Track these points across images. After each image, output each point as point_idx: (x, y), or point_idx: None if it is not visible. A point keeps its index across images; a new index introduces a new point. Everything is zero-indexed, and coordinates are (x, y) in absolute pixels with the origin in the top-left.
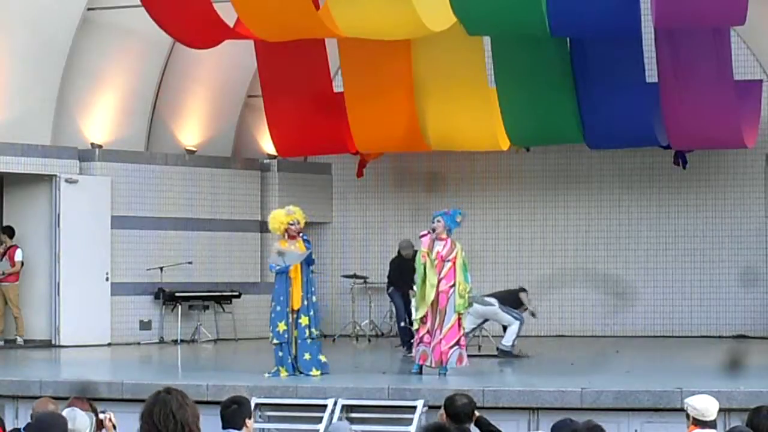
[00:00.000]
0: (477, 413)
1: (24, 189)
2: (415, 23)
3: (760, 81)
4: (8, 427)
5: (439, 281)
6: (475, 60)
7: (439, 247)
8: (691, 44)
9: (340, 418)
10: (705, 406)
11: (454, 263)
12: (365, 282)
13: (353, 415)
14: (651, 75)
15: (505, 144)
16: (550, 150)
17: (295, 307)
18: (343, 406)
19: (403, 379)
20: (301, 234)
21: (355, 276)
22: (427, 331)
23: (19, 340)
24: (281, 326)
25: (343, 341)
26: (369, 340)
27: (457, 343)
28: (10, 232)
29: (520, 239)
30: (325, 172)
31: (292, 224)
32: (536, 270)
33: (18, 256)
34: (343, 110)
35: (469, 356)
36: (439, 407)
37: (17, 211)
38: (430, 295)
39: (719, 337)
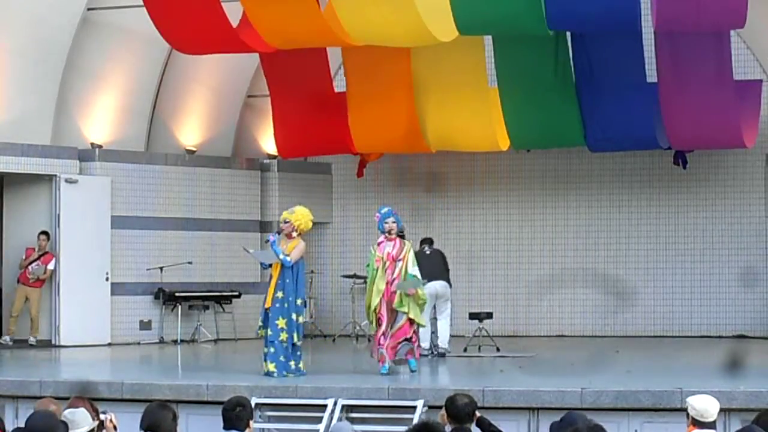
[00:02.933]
0: (478, 413)
1: (24, 189)
2: (421, 33)
3: (760, 81)
4: (8, 427)
5: (392, 281)
6: (476, 61)
7: (388, 248)
8: (690, 44)
9: (340, 418)
10: (704, 407)
11: (405, 261)
12: (365, 282)
13: (353, 415)
14: (651, 75)
15: (504, 144)
16: (550, 150)
17: (266, 306)
18: (343, 406)
19: (403, 379)
20: (293, 234)
21: (355, 276)
22: (383, 333)
23: (32, 339)
24: (259, 322)
25: (343, 341)
26: (369, 340)
27: (407, 339)
28: (47, 237)
29: (520, 239)
30: (325, 172)
31: (280, 222)
32: (536, 270)
33: (52, 264)
34: (344, 110)
35: (469, 356)
36: (439, 407)
37: (17, 211)
38: (375, 300)
39: (719, 337)
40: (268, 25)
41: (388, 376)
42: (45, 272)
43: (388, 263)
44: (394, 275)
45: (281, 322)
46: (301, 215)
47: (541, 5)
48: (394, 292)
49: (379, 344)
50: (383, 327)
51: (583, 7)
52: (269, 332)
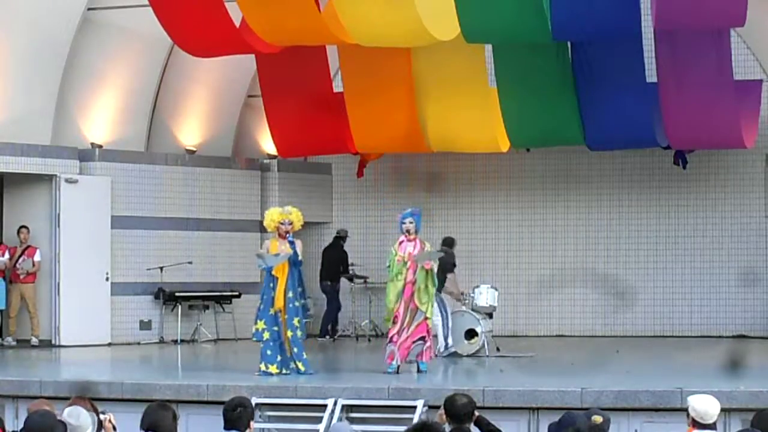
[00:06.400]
0: (477, 413)
1: (24, 189)
2: (421, 33)
3: (760, 81)
4: (8, 427)
5: (414, 281)
6: (476, 61)
7: (410, 248)
8: (690, 44)
9: (340, 418)
10: (705, 408)
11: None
12: (365, 282)
13: (353, 415)
14: (651, 75)
15: (504, 146)
16: (550, 150)
17: (278, 306)
18: (343, 406)
19: (403, 379)
20: (287, 234)
21: (355, 276)
22: (397, 331)
23: (34, 340)
24: (260, 324)
25: (343, 341)
26: (369, 340)
27: (422, 339)
28: (27, 230)
29: (520, 239)
30: (325, 172)
31: (282, 223)
32: (536, 270)
33: (37, 256)
34: (343, 110)
35: (469, 356)
36: (439, 407)
37: (17, 211)
38: (394, 300)
39: (719, 337)
40: (264, 24)
41: (389, 375)
42: (33, 265)
43: (409, 263)
44: (416, 275)
45: (297, 321)
46: (298, 215)
47: (547, 17)
48: (413, 293)
49: (392, 341)
50: (398, 326)
51: (587, 20)
52: (290, 333)
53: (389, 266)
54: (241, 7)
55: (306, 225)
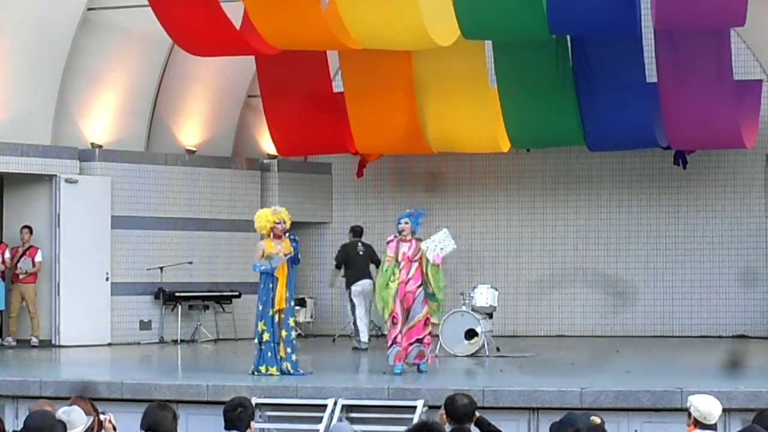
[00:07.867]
0: (477, 413)
1: (24, 189)
2: (422, 37)
3: (760, 81)
4: (8, 427)
5: (407, 281)
6: (476, 61)
7: (404, 248)
8: (690, 44)
9: (340, 418)
10: (708, 409)
11: (420, 264)
12: None
13: (353, 415)
14: (651, 75)
15: (505, 146)
16: (550, 150)
17: (280, 307)
18: (343, 406)
19: (403, 379)
20: (287, 233)
21: None
22: (399, 331)
23: (34, 340)
24: (260, 326)
25: (343, 341)
26: (369, 340)
27: (419, 340)
28: (30, 231)
29: (520, 239)
30: (325, 172)
31: (278, 223)
32: (536, 270)
33: (38, 256)
34: (343, 110)
35: (469, 356)
36: (439, 407)
37: (17, 211)
38: (390, 302)
39: (719, 337)
40: (270, 27)
41: (388, 375)
42: (33, 265)
43: (403, 263)
44: (409, 275)
45: (292, 321)
46: (286, 213)
47: (544, 11)
48: (409, 292)
49: (396, 343)
50: (398, 327)
51: (584, 13)
52: (284, 333)
53: (380, 267)
54: (249, 12)
55: (306, 225)
